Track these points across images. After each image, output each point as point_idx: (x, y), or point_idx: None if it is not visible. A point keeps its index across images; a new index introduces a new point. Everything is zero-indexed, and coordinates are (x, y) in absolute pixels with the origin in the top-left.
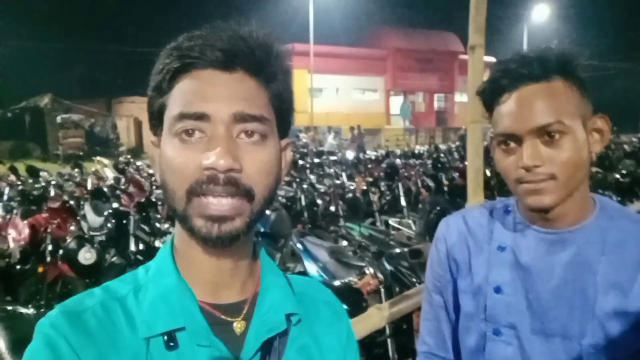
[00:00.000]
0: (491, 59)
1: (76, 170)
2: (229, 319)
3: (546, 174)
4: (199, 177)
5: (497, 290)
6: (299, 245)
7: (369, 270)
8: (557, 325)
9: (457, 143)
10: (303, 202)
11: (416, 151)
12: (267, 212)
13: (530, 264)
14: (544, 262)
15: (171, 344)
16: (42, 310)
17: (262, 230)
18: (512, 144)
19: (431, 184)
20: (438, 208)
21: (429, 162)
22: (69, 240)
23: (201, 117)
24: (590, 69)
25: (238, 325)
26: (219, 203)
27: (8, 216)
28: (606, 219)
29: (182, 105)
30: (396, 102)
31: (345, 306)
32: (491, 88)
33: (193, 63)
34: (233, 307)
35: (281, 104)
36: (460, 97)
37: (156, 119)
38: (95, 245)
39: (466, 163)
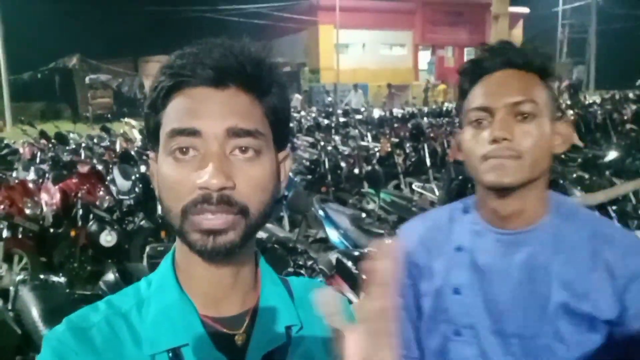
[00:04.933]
0: (524, 10)
1: (104, 134)
2: (230, 332)
3: (513, 150)
4: (194, 197)
5: (456, 291)
6: (320, 212)
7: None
8: (515, 325)
9: None
10: (327, 166)
11: (445, 108)
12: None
13: (487, 265)
14: (500, 263)
15: None
16: (75, 279)
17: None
18: (484, 122)
19: None
20: (460, 177)
21: (457, 120)
22: (90, 224)
23: (193, 133)
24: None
25: (239, 338)
26: (214, 218)
27: (40, 180)
28: (560, 218)
29: (175, 122)
30: (425, 58)
31: (364, 276)
32: (473, 68)
33: (185, 81)
34: (234, 319)
35: (277, 117)
36: None
37: (152, 136)
38: (116, 227)
39: None
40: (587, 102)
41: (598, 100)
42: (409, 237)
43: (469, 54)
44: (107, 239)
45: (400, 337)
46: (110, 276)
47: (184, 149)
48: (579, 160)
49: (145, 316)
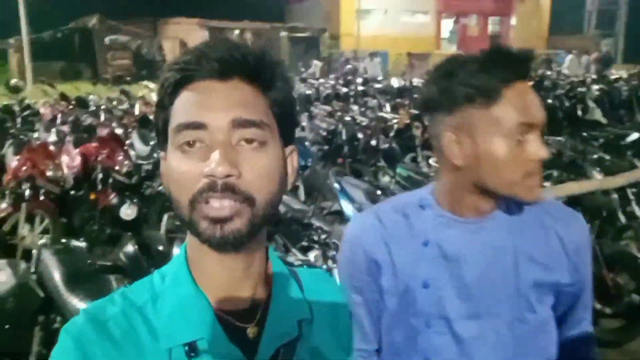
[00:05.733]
0: None
1: (124, 97)
2: (242, 325)
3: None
4: (200, 186)
5: (425, 285)
6: (336, 185)
7: None
8: (485, 306)
9: None
10: (344, 136)
11: None
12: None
13: (456, 255)
14: (468, 250)
15: (192, 353)
16: (94, 242)
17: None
18: (526, 136)
19: None
20: None
21: None
22: (110, 197)
23: (199, 126)
24: None
25: (251, 331)
26: (220, 206)
27: (60, 143)
28: (511, 202)
29: (181, 117)
30: (448, 26)
31: None
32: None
33: (191, 75)
34: (246, 312)
35: (282, 111)
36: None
37: (162, 133)
38: (135, 200)
39: None
40: (612, 78)
41: (625, 76)
42: (365, 233)
43: (493, 24)
44: (127, 212)
45: (357, 333)
46: (129, 248)
47: (191, 142)
48: (601, 140)
49: (161, 310)
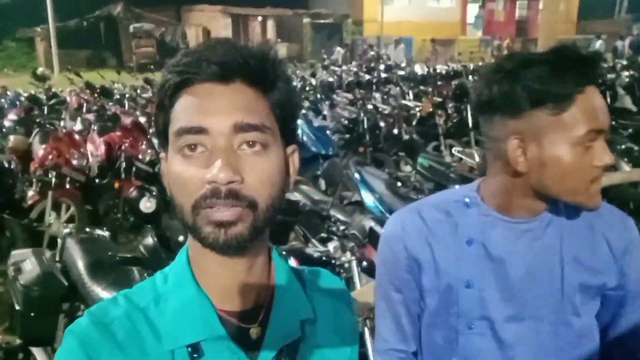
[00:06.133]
0: None
1: (147, 85)
2: (245, 325)
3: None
4: (203, 192)
5: (468, 285)
6: (356, 175)
7: None
8: (529, 308)
9: None
10: (365, 125)
11: None
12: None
13: (501, 255)
14: (514, 250)
15: (195, 355)
16: (118, 229)
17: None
18: (592, 142)
19: None
20: None
21: None
22: (131, 190)
23: (200, 131)
24: None
25: (254, 331)
26: (224, 211)
27: (86, 131)
28: (557, 204)
29: (182, 120)
30: (473, 11)
31: None
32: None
33: (191, 78)
34: (249, 313)
35: (283, 112)
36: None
37: (162, 135)
38: (154, 194)
39: None
40: None
41: None
42: (406, 231)
43: (521, 8)
44: (147, 205)
45: (396, 334)
46: (149, 240)
47: (192, 146)
48: (630, 130)
49: (164, 311)
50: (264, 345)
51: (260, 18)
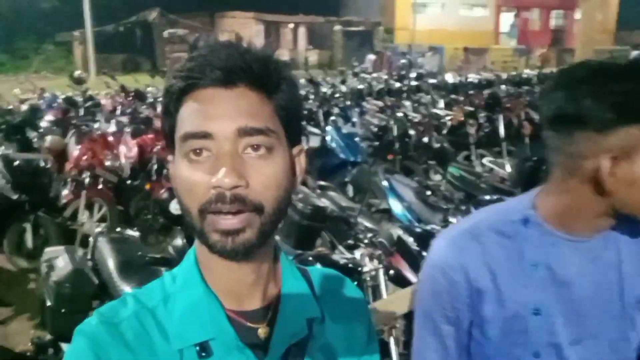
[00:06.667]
0: None
1: None
2: (253, 325)
3: None
4: (209, 197)
5: (537, 312)
6: (384, 183)
7: (455, 219)
8: (590, 328)
9: None
10: (395, 133)
11: (524, 75)
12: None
13: (567, 276)
14: (579, 271)
15: (203, 354)
16: (149, 230)
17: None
18: None
19: (536, 116)
20: (535, 158)
21: (537, 89)
22: (162, 191)
23: (205, 136)
24: None
25: (262, 331)
26: (230, 218)
27: (119, 133)
28: (621, 220)
29: (188, 125)
30: (507, 20)
31: (425, 253)
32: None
33: (195, 83)
34: (257, 313)
35: (288, 114)
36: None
37: (169, 139)
38: None
39: None
40: None
41: None
42: (464, 258)
43: (556, 17)
44: (177, 206)
45: None
46: (178, 241)
47: (198, 150)
48: None
49: (172, 311)
50: (272, 345)
51: (292, 25)
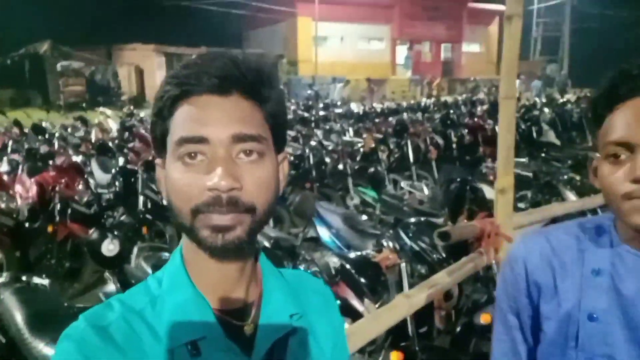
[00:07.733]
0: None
1: (79, 123)
2: (239, 323)
3: None
4: (205, 199)
5: (591, 318)
6: None
7: (388, 244)
8: None
9: (464, 95)
10: (311, 161)
11: (422, 104)
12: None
13: (629, 290)
14: None
15: (194, 352)
16: (53, 276)
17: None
18: (622, 156)
19: (440, 141)
20: (458, 180)
21: (437, 116)
22: (91, 231)
23: (201, 140)
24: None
25: (248, 328)
26: (224, 216)
27: (13, 173)
28: None
29: (183, 130)
30: (402, 52)
31: (363, 280)
32: (608, 95)
33: (191, 90)
34: (241, 311)
35: (276, 122)
36: (467, 47)
37: (160, 142)
38: (116, 234)
39: (475, 120)
40: (560, 101)
41: (573, 99)
42: (530, 254)
43: (445, 50)
44: (110, 247)
45: (512, 359)
46: (111, 287)
47: (192, 154)
48: (569, 161)
49: (161, 313)
50: (257, 341)
51: (194, 57)
